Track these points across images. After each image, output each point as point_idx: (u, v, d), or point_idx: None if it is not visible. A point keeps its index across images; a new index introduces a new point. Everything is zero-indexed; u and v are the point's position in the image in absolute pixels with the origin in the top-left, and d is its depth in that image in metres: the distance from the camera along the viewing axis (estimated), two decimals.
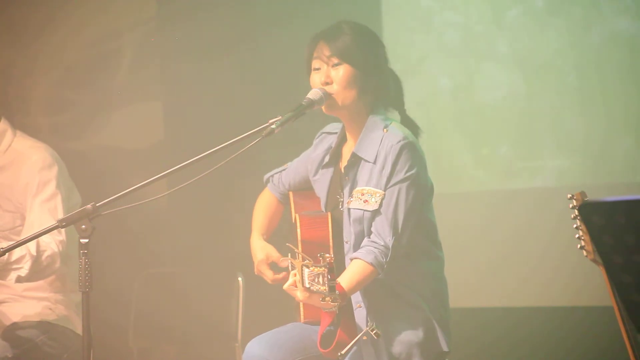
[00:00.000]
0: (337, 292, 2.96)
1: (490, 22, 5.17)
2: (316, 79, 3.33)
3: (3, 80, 5.40)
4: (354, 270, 3.20)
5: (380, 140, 3.29)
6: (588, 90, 4.99)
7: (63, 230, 3.97)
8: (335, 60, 3.30)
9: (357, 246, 3.29)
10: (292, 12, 5.26)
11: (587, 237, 3.14)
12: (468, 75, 5.24)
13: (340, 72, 3.30)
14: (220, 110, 5.27)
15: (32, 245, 3.90)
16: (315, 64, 3.34)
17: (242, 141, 3.13)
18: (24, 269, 3.88)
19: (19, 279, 3.91)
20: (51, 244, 3.95)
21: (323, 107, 3.32)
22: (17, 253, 3.86)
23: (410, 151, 3.26)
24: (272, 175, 3.71)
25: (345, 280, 3.15)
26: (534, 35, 5.09)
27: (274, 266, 3.49)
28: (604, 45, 4.96)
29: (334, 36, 3.32)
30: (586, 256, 3.16)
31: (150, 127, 5.50)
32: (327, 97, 3.30)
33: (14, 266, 3.88)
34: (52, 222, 3.88)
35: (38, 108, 5.49)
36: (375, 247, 3.21)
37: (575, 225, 3.17)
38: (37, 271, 3.94)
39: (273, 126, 3.16)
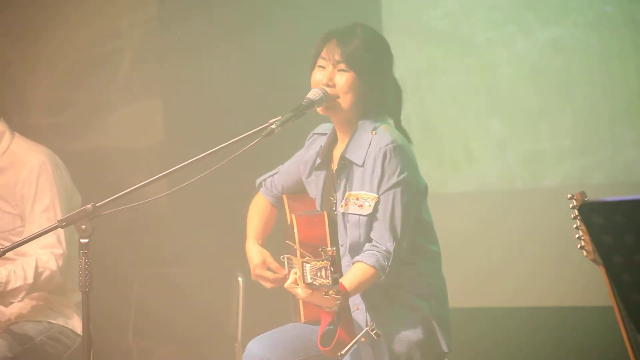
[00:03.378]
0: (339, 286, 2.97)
1: (489, 22, 5.18)
2: (319, 76, 3.32)
3: (3, 81, 5.40)
4: (355, 272, 3.20)
5: (368, 143, 3.28)
6: (590, 90, 4.99)
7: (64, 240, 3.99)
8: (342, 66, 3.30)
9: (352, 251, 3.28)
10: (292, 12, 5.26)
11: (587, 237, 3.14)
12: (470, 75, 5.23)
13: (344, 79, 3.29)
14: (220, 110, 5.27)
15: (29, 269, 3.94)
16: (322, 62, 3.33)
17: (242, 141, 3.13)
18: (19, 297, 3.97)
19: (12, 303, 4.01)
20: (49, 262, 3.96)
21: (320, 109, 3.31)
22: (13, 283, 3.93)
23: (400, 154, 3.25)
24: (264, 179, 3.69)
25: (347, 280, 3.15)
26: (541, 41, 5.10)
27: (270, 270, 3.49)
28: (607, 45, 4.96)
29: (347, 40, 3.30)
30: (586, 256, 3.15)
31: (150, 127, 5.50)
32: (327, 97, 3.29)
33: (11, 294, 3.96)
34: (52, 234, 3.92)
35: (38, 108, 5.49)
36: (377, 251, 3.21)
37: (575, 225, 3.17)
38: (35, 291, 4.01)
39: (273, 126, 3.16)
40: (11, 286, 3.93)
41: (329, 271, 2.94)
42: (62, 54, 5.47)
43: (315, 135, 3.53)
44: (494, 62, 5.17)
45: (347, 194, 3.31)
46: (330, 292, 2.95)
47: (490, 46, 5.16)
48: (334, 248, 3.00)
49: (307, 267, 2.98)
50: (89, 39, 5.49)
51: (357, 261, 3.22)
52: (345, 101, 3.30)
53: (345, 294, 3.08)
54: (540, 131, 5.09)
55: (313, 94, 3.29)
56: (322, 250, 2.97)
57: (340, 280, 3.08)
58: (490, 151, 5.20)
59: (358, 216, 3.26)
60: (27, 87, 5.49)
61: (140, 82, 5.48)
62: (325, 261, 2.94)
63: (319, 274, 2.95)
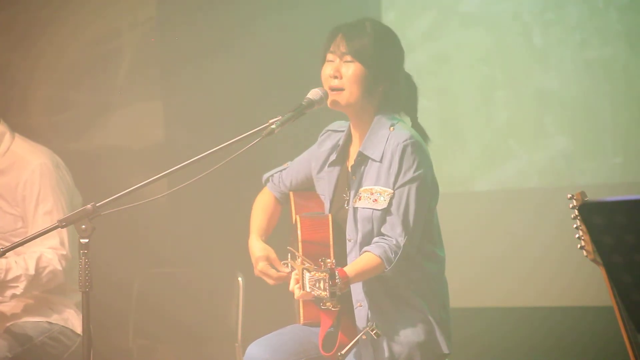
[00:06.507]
0: (338, 295, 2.98)
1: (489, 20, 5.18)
2: (327, 70, 3.32)
3: (3, 81, 5.40)
4: (360, 260, 3.21)
5: (386, 138, 3.28)
6: (591, 91, 4.99)
7: (67, 242, 3.98)
8: (348, 58, 3.30)
9: (363, 245, 3.28)
10: (292, 12, 5.26)
11: (587, 237, 3.13)
12: (473, 74, 5.24)
13: (350, 70, 3.29)
14: (220, 111, 5.27)
15: (31, 262, 3.93)
16: (330, 56, 3.33)
17: (242, 141, 3.13)
18: (20, 287, 3.96)
19: (14, 296, 4.00)
20: (53, 260, 3.97)
21: (328, 102, 3.31)
22: (13, 272, 3.93)
23: (417, 150, 3.26)
24: (272, 175, 3.69)
25: (349, 267, 3.16)
26: (542, 42, 5.10)
27: (273, 267, 3.48)
28: (606, 49, 4.96)
29: (354, 33, 3.31)
30: (586, 256, 3.15)
31: (150, 127, 5.50)
32: (327, 97, 3.29)
33: (10, 284, 3.96)
34: (55, 235, 3.92)
35: (38, 108, 5.49)
36: (386, 243, 3.21)
37: (575, 225, 3.17)
38: (37, 287, 4.00)
39: (273, 126, 3.16)
40: (11, 275, 3.93)
41: (327, 283, 2.96)
42: (63, 54, 5.47)
43: (329, 132, 3.52)
44: (498, 61, 5.17)
45: (360, 189, 3.31)
46: (328, 303, 2.97)
47: (496, 44, 5.16)
48: (334, 261, 3.01)
49: (307, 275, 3.00)
50: (89, 39, 5.49)
51: (365, 251, 3.23)
52: (352, 93, 3.29)
53: (346, 281, 3.09)
54: (541, 132, 5.09)
55: (313, 94, 3.29)
56: (322, 261, 2.99)
57: (344, 268, 3.12)
58: (490, 151, 5.20)
59: (372, 210, 3.27)
60: (28, 87, 5.49)
61: (140, 82, 5.48)
62: (325, 273, 2.96)
63: (317, 285, 2.98)
